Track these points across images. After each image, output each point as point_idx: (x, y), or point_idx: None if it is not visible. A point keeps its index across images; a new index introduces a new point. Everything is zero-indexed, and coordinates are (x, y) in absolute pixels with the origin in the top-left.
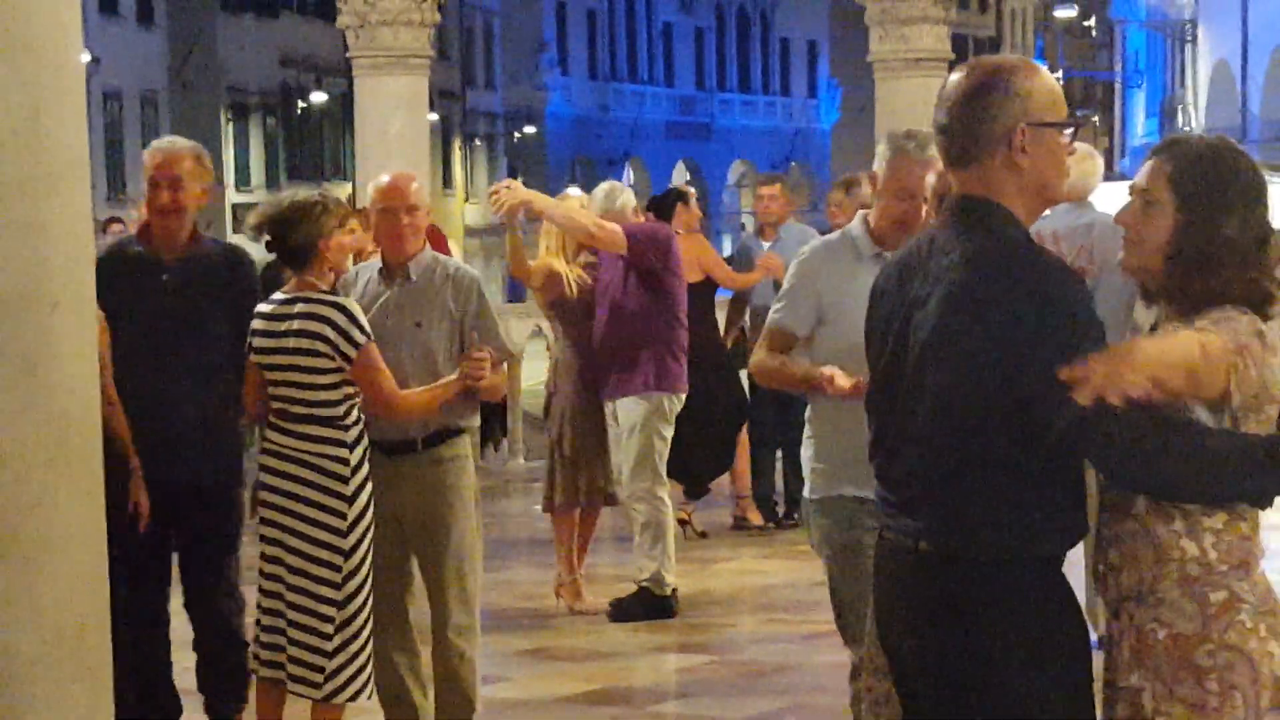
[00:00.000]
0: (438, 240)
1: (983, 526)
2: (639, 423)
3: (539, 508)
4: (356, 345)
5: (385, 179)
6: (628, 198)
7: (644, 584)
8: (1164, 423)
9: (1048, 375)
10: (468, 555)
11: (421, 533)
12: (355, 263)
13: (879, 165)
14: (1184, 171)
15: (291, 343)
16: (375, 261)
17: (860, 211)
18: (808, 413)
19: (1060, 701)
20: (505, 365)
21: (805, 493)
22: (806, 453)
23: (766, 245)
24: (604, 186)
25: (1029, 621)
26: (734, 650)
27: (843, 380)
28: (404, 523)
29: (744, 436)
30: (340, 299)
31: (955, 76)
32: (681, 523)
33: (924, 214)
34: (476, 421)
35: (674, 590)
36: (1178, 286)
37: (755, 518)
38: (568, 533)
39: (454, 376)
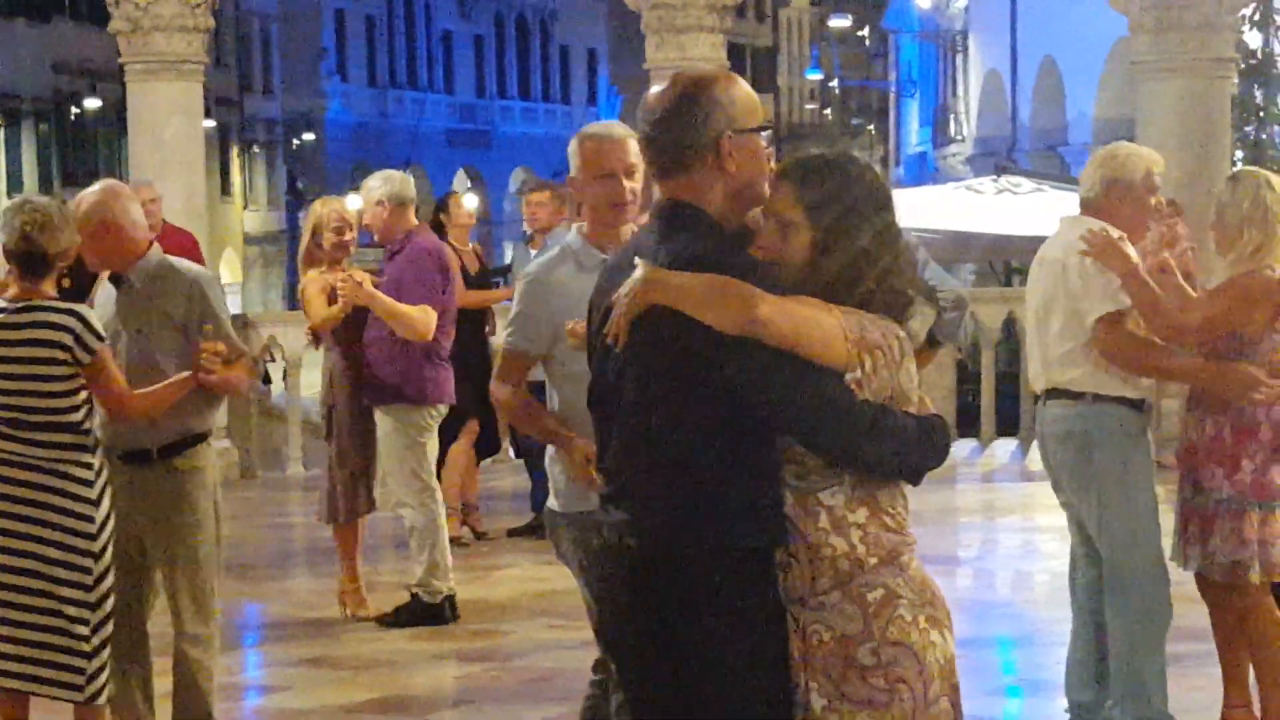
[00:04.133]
0: (189, 244)
1: (684, 522)
2: (391, 432)
3: (316, 518)
4: (91, 351)
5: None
6: (405, 188)
7: (414, 590)
8: (868, 402)
9: (755, 362)
10: (204, 566)
11: (158, 544)
12: None
13: (572, 166)
14: (810, 189)
15: (27, 351)
16: None
17: (575, 224)
18: None
19: (762, 694)
20: (247, 361)
21: (552, 505)
22: (557, 466)
23: (534, 253)
24: (382, 176)
25: (732, 614)
26: (515, 657)
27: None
28: (142, 533)
29: (468, 449)
30: (75, 305)
31: (657, 90)
32: (477, 535)
33: (631, 192)
34: (216, 423)
35: (448, 597)
36: (823, 299)
37: (477, 525)
38: (351, 543)
39: (185, 373)
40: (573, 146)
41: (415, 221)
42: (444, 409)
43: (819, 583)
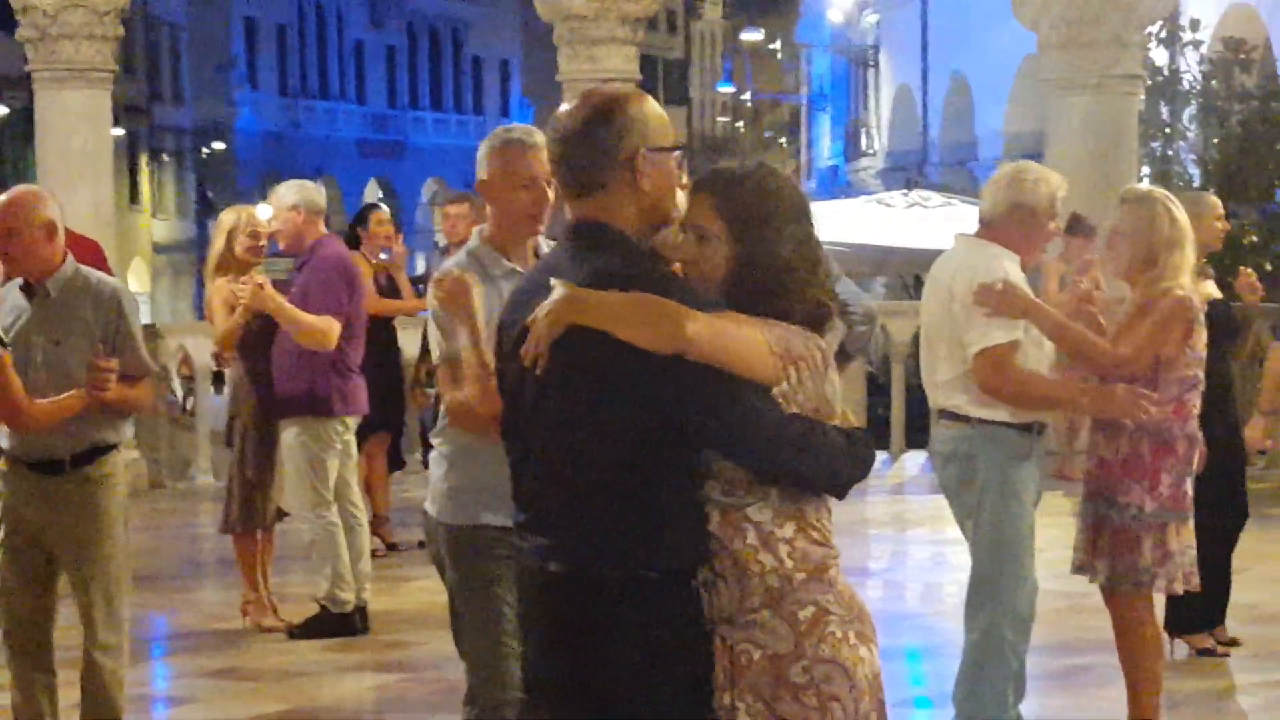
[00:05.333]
0: (94, 253)
1: (608, 544)
2: (294, 445)
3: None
4: None
5: (2, 198)
6: (319, 198)
7: (321, 602)
8: (797, 416)
9: (684, 379)
10: (115, 575)
11: (69, 553)
12: None
13: (485, 170)
14: (729, 201)
15: None
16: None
17: (475, 229)
18: (440, 428)
19: (683, 716)
20: (152, 380)
21: (432, 512)
22: (437, 471)
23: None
24: (294, 184)
25: (656, 637)
26: (426, 668)
27: None
28: (52, 542)
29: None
30: None
31: (568, 109)
32: (388, 547)
33: (549, 199)
34: (127, 435)
35: (357, 607)
36: (742, 312)
37: (388, 537)
38: (250, 553)
39: (79, 390)
40: (487, 150)
41: (325, 231)
42: (354, 422)
43: (749, 601)
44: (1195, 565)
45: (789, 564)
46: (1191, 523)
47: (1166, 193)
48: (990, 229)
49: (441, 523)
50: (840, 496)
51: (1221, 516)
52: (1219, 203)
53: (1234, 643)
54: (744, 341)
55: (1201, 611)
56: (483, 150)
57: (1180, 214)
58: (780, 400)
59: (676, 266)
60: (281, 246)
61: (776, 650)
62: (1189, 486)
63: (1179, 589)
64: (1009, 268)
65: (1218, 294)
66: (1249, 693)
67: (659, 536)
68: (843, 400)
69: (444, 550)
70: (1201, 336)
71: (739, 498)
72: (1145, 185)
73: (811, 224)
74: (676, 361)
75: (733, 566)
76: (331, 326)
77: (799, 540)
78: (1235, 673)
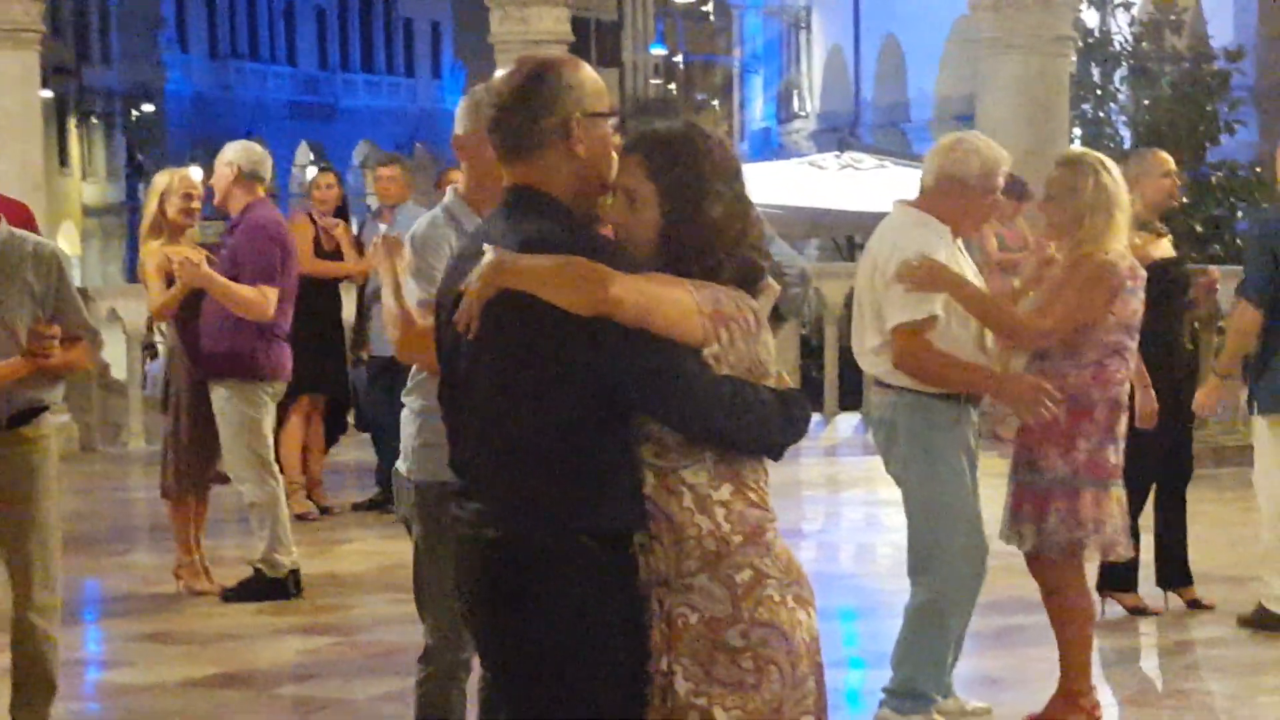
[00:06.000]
0: (23, 216)
1: (542, 509)
2: (225, 408)
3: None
4: None
5: None
6: (259, 164)
7: (257, 565)
8: (727, 377)
9: (611, 341)
10: (50, 536)
11: (3, 514)
12: None
13: (464, 126)
14: (659, 162)
15: None
16: None
17: (449, 186)
18: (411, 386)
19: (618, 681)
20: (88, 341)
21: (400, 467)
22: (409, 429)
23: (383, 227)
24: (240, 144)
25: (593, 602)
26: (359, 631)
27: None
28: None
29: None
30: None
31: (503, 74)
32: (321, 510)
33: None
34: (59, 396)
35: (292, 572)
36: (673, 273)
37: (322, 500)
38: (184, 517)
39: (18, 358)
40: (468, 107)
41: (260, 195)
42: (280, 386)
43: (686, 564)
44: (1124, 534)
45: (726, 527)
46: (1116, 491)
47: (1101, 156)
48: (924, 198)
49: (411, 480)
50: (775, 458)
51: (1167, 476)
52: (1167, 159)
53: (1197, 603)
54: (671, 303)
55: (1174, 570)
56: (462, 106)
57: (1110, 178)
58: (711, 362)
59: (608, 229)
60: (215, 202)
61: (714, 614)
62: (1113, 454)
63: (1097, 558)
64: (934, 240)
65: (1171, 253)
66: (1181, 651)
67: (594, 501)
68: (776, 362)
69: (407, 501)
70: (1129, 302)
71: (673, 460)
72: (1080, 148)
73: (742, 185)
74: (603, 323)
75: (669, 530)
76: (266, 296)
77: (736, 503)
78: (1168, 631)
